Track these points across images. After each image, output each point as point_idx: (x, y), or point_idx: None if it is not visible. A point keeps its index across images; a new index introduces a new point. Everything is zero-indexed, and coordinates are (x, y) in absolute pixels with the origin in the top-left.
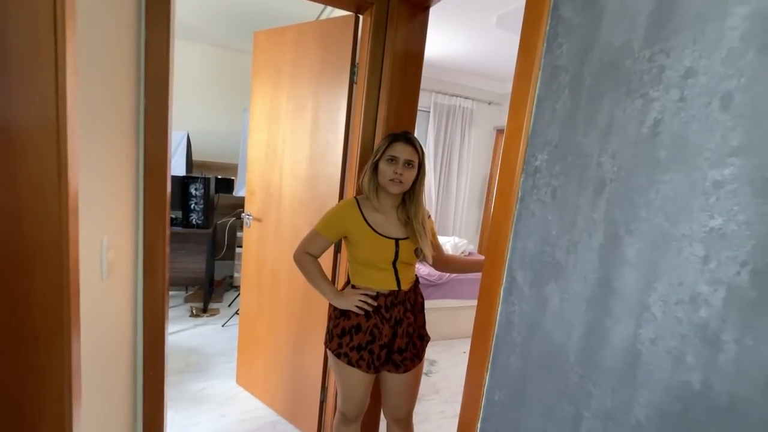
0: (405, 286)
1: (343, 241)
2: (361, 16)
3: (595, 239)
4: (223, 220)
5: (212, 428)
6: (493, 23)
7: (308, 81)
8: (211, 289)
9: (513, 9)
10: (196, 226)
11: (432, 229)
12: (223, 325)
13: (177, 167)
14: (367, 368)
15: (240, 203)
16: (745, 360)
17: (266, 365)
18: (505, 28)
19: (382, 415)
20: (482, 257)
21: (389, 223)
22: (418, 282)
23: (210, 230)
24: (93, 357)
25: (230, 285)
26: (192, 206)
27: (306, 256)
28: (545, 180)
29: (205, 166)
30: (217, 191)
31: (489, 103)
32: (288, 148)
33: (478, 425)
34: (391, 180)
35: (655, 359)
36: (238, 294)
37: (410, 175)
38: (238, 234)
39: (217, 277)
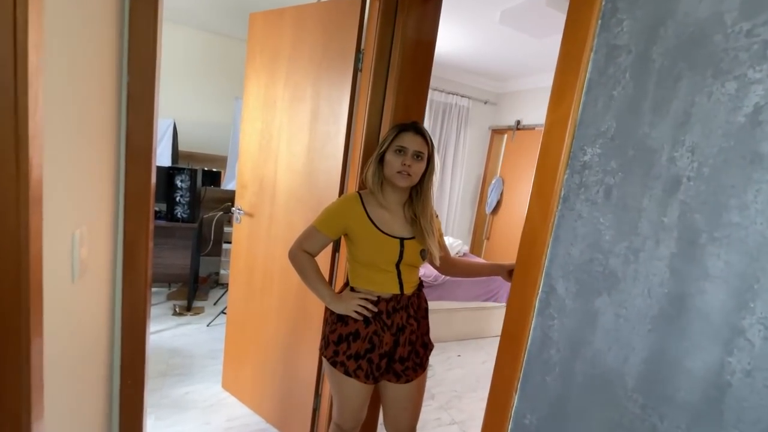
0: (408, 290)
1: (343, 239)
2: None
3: (665, 247)
4: (210, 214)
5: None
6: (496, 19)
7: (308, 67)
8: (195, 287)
9: (518, 4)
10: (181, 220)
11: (439, 229)
12: (208, 325)
13: (162, 157)
14: (366, 378)
15: (227, 197)
16: None
17: (255, 369)
18: (509, 24)
19: (380, 426)
20: (479, 259)
21: (394, 221)
22: (422, 286)
23: (196, 225)
24: (60, 367)
25: (216, 282)
26: (177, 199)
27: (302, 254)
28: (597, 177)
29: (191, 157)
30: (203, 184)
31: (485, 102)
32: (284, 139)
33: None
34: (399, 172)
35: (750, 394)
36: (225, 292)
37: (419, 168)
38: (226, 229)
39: (203, 273)
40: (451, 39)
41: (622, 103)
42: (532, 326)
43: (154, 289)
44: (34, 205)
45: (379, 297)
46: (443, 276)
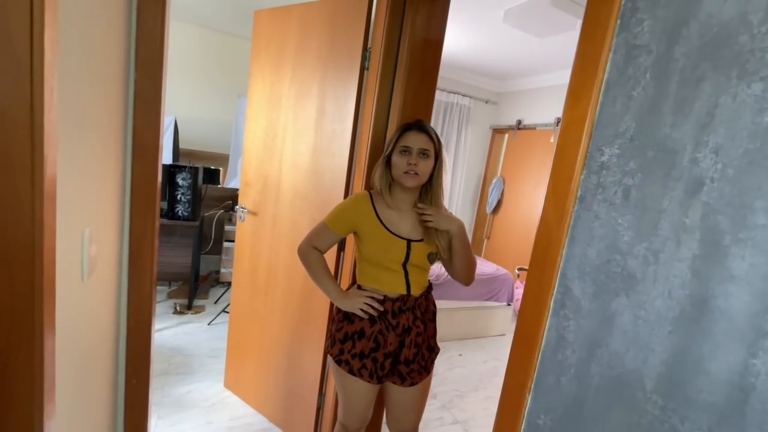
0: (415, 291)
1: (351, 237)
2: None
3: (687, 249)
4: (211, 212)
5: None
6: (500, 18)
7: (314, 65)
8: (196, 285)
9: (522, 3)
10: (182, 218)
11: None
12: (209, 324)
13: (163, 155)
14: (370, 378)
15: (228, 195)
16: None
17: (258, 367)
18: (512, 23)
19: (383, 426)
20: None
21: (403, 222)
22: (431, 288)
23: (197, 223)
24: (70, 366)
25: (217, 281)
26: (178, 197)
27: (312, 251)
28: (615, 178)
29: (191, 155)
30: (204, 182)
31: (486, 102)
32: (289, 138)
33: None
34: (406, 173)
35: None
36: (226, 290)
37: (426, 166)
38: (227, 228)
39: (203, 272)
40: (454, 37)
41: (642, 104)
42: (547, 327)
43: None
44: (48, 203)
45: (385, 296)
46: (445, 274)
